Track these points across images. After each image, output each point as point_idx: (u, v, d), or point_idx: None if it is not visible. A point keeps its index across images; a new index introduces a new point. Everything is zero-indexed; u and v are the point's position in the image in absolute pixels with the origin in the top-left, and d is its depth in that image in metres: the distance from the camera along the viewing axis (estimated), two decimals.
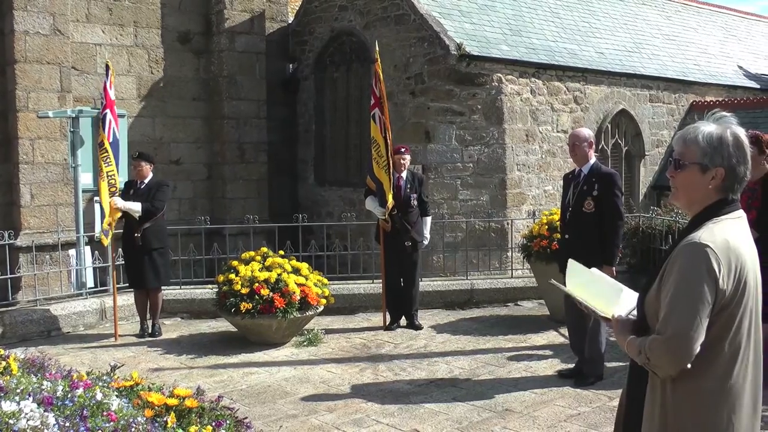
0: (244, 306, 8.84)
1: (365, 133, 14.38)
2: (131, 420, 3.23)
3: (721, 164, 2.95)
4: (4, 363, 3.92)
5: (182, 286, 11.22)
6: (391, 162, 9.74)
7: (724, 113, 3.07)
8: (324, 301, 9.40)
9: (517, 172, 15.05)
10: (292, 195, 17.43)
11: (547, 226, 10.31)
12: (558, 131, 15.85)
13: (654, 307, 2.96)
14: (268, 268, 9.21)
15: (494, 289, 11.54)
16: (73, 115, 11.78)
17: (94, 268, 11.39)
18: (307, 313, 9.22)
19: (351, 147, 16.63)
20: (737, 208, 3.03)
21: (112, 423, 3.18)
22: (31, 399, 3.15)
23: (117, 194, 9.68)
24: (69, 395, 3.33)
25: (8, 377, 3.54)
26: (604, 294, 3.29)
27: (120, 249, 10.29)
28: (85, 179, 11.74)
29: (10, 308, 10.14)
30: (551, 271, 9.15)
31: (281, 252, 9.86)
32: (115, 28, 15.08)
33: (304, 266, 9.51)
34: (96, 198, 10.59)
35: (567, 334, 8.36)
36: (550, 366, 8.23)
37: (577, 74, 16.34)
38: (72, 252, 12.05)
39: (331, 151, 17.07)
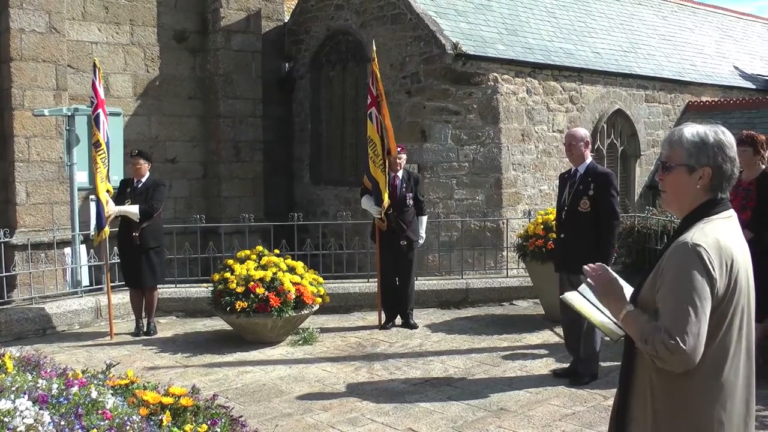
0: (240, 305, 8.84)
1: (361, 133, 14.42)
2: (126, 418, 3.23)
3: (707, 164, 2.99)
4: None
5: (178, 285, 11.21)
6: (386, 161, 9.75)
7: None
8: (319, 300, 9.40)
9: (513, 171, 15.06)
10: (288, 194, 17.42)
11: (542, 226, 10.32)
12: (554, 131, 15.87)
13: (648, 305, 2.98)
14: (264, 267, 9.21)
15: (489, 288, 11.54)
16: (69, 114, 11.78)
17: (90, 267, 11.38)
18: (303, 312, 9.22)
19: (347, 146, 16.63)
20: (727, 207, 3.05)
21: (107, 421, 3.18)
22: (26, 397, 3.15)
23: (111, 194, 9.68)
24: (64, 393, 3.33)
25: (3, 375, 3.53)
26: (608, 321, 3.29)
27: (115, 248, 10.28)
28: (81, 177, 11.74)
29: (5, 306, 10.12)
30: (546, 271, 9.20)
31: (277, 251, 9.86)
32: (111, 27, 15.07)
33: (299, 265, 9.51)
34: (92, 196, 10.57)
35: (562, 333, 8.36)
36: (545, 365, 8.24)
37: (573, 74, 16.36)
38: (67, 250, 12.04)
39: (327, 150, 17.07)
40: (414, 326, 9.99)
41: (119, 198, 9.83)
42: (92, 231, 10.30)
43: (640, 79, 18.05)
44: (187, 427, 3.44)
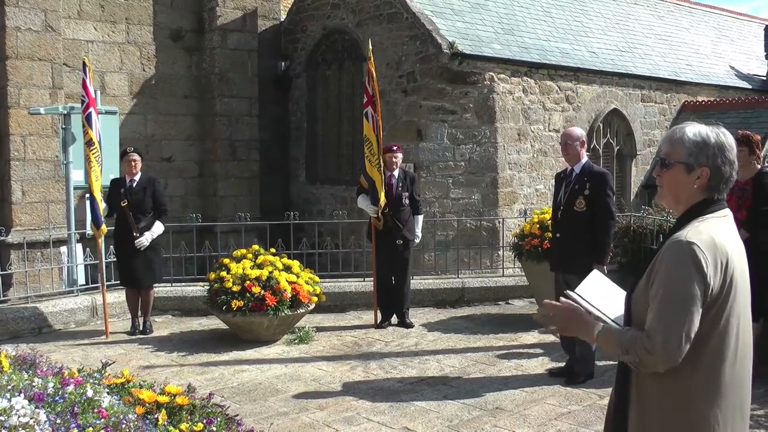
0: (236, 303, 8.84)
1: (357, 132, 14.39)
2: (122, 417, 3.23)
3: (705, 164, 2.99)
4: None
5: (174, 284, 11.20)
6: (382, 160, 9.76)
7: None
8: (315, 298, 9.40)
9: (509, 171, 15.08)
10: (284, 193, 17.43)
11: (538, 225, 10.31)
12: (550, 130, 15.89)
13: (642, 305, 2.98)
14: (260, 266, 9.20)
15: (485, 287, 11.55)
16: (65, 112, 11.75)
17: (86, 266, 11.36)
18: (299, 311, 9.22)
19: (343, 145, 16.64)
20: (723, 207, 3.05)
21: (103, 420, 3.18)
22: (22, 396, 3.14)
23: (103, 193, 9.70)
24: (60, 392, 3.33)
25: None
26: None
27: (111, 246, 10.27)
28: (77, 176, 11.71)
29: (1, 305, 10.11)
30: (542, 270, 9.20)
31: (273, 250, 9.85)
32: (107, 25, 15.06)
33: (295, 264, 9.51)
34: (87, 195, 10.56)
35: None
36: (541, 364, 8.25)
37: (569, 73, 16.38)
38: (63, 249, 12.02)
39: (323, 149, 17.07)
40: (410, 325, 9.99)
41: (112, 199, 9.81)
42: (89, 228, 10.30)
43: (636, 79, 18.09)
44: (183, 425, 3.43)
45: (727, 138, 3.03)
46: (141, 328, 9.84)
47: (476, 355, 8.67)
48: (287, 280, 9.08)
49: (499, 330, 9.81)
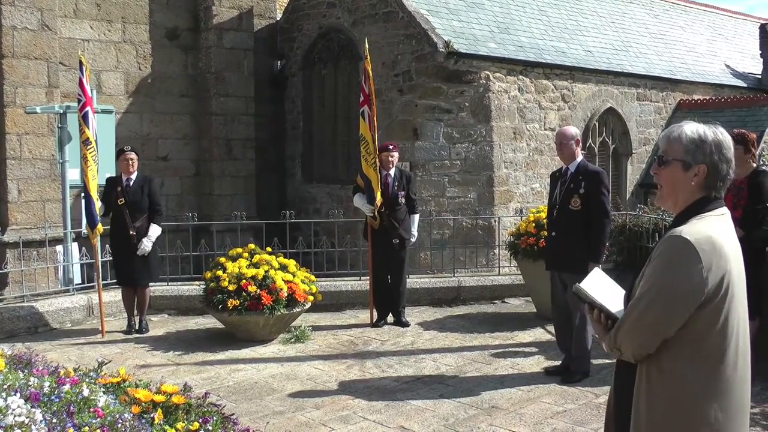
0: (232, 303, 8.85)
1: (353, 130, 14.41)
2: (118, 416, 3.24)
3: (703, 161, 3.01)
4: None
5: (169, 283, 11.20)
6: (378, 159, 9.77)
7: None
8: (311, 298, 9.41)
9: (505, 169, 15.09)
10: (280, 192, 17.42)
11: (534, 224, 10.33)
12: (545, 129, 15.90)
13: None
14: (256, 265, 9.21)
15: (481, 286, 11.56)
16: (61, 111, 11.75)
17: (82, 265, 11.36)
18: (295, 310, 9.23)
19: (339, 144, 16.64)
20: (721, 205, 3.07)
21: (99, 419, 3.18)
22: (18, 395, 3.15)
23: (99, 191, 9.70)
24: (56, 391, 3.34)
25: None
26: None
27: (107, 245, 10.27)
28: (73, 175, 11.71)
29: None
30: (538, 269, 9.21)
31: (269, 249, 9.86)
32: (103, 24, 15.05)
33: (291, 263, 9.51)
34: (83, 194, 10.55)
35: (554, 331, 8.38)
36: (537, 363, 8.26)
37: (565, 72, 16.39)
38: (59, 248, 12.02)
39: (319, 148, 17.07)
40: (406, 324, 10.00)
41: (108, 198, 9.81)
42: (84, 228, 10.29)
43: (631, 78, 18.10)
44: (179, 425, 3.44)
45: (725, 136, 3.06)
46: (137, 328, 9.84)
47: (472, 353, 8.68)
48: (283, 279, 9.09)
49: (495, 329, 9.82)
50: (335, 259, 11.84)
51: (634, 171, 18.34)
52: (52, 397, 3.28)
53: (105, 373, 4.09)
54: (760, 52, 22.04)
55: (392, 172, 10.07)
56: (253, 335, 9.19)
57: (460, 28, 15.10)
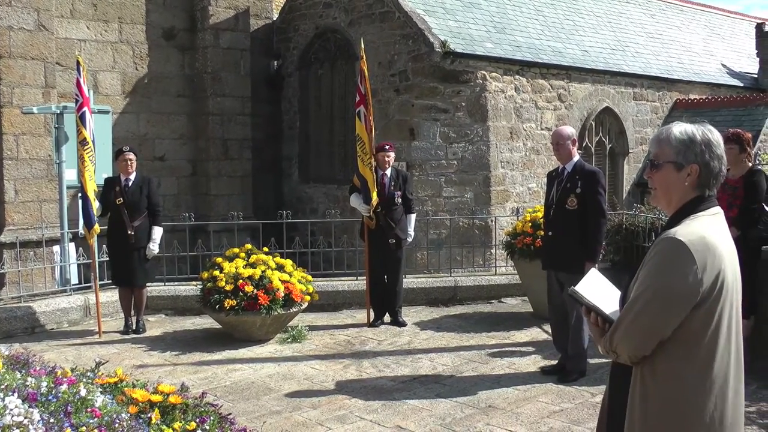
0: (229, 303, 8.85)
1: (350, 130, 14.43)
2: (115, 416, 3.24)
3: (694, 161, 3.03)
4: None
5: (166, 283, 11.19)
6: (374, 159, 9.79)
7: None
8: (308, 297, 9.42)
9: (501, 169, 15.10)
10: (277, 192, 17.43)
11: (530, 224, 10.34)
12: (542, 129, 15.91)
13: None
14: (252, 265, 9.21)
15: (478, 286, 11.57)
16: (58, 111, 11.74)
17: (79, 265, 11.36)
18: (291, 310, 9.23)
19: (335, 144, 16.65)
20: (714, 204, 3.08)
21: (96, 419, 3.19)
22: (15, 395, 3.16)
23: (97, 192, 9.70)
24: (53, 391, 3.34)
25: None
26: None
27: (104, 246, 10.26)
28: (70, 175, 11.71)
29: None
30: (535, 269, 9.22)
31: (265, 249, 9.86)
32: (100, 24, 15.04)
33: (288, 263, 9.52)
34: (80, 195, 10.55)
35: (550, 330, 8.39)
36: (533, 362, 8.27)
37: (561, 72, 16.41)
38: (56, 248, 12.01)
39: (316, 148, 17.08)
40: (403, 324, 10.01)
41: (106, 198, 9.81)
42: (81, 229, 10.28)
43: (628, 77, 18.13)
44: (176, 425, 3.45)
45: (713, 134, 3.09)
46: (134, 328, 9.84)
47: (469, 353, 8.69)
48: (280, 279, 9.09)
49: (492, 328, 9.83)
50: (332, 259, 11.85)
51: (631, 170, 18.36)
52: (50, 397, 3.29)
53: (102, 373, 4.09)
54: (756, 51, 22.10)
55: (389, 172, 10.07)
56: (250, 335, 9.19)
57: (457, 28, 15.11)
